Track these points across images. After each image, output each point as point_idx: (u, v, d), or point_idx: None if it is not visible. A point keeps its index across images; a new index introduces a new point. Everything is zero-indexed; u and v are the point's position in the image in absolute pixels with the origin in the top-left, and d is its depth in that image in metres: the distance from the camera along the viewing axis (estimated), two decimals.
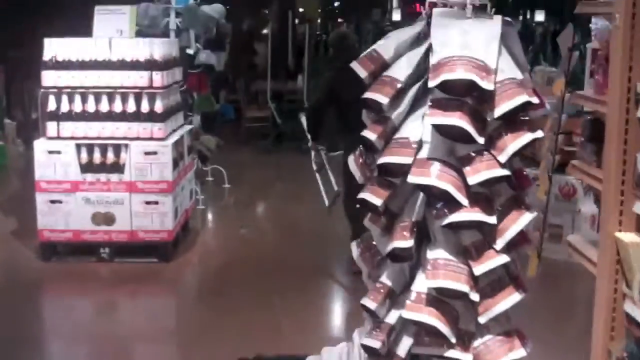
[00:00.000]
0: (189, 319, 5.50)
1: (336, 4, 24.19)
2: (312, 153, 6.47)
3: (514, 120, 2.75)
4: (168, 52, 6.60)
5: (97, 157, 6.25)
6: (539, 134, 2.80)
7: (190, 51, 8.10)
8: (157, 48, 6.34)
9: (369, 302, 3.05)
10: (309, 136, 6.44)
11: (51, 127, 6.28)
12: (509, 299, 2.91)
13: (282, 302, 5.61)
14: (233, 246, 7.02)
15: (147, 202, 6.26)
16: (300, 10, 18.16)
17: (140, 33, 6.98)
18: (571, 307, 5.42)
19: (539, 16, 22.60)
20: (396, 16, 22.62)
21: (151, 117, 6.26)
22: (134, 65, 6.23)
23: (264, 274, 6.20)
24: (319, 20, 20.13)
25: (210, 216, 7.92)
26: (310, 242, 7.10)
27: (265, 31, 19.98)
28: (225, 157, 10.01)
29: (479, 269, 2.82)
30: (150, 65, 6.25)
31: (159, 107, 6.28)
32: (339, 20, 22.26)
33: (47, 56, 6.25)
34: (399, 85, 2.85)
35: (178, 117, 6.93)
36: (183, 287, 6.30)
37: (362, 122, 3.08)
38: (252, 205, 8.96)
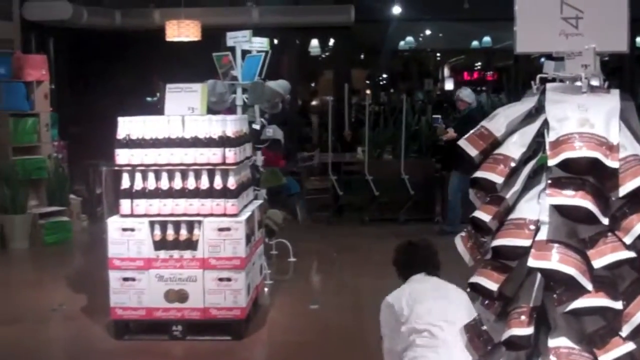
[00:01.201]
0: None
1: (385, 75, 24.32)
2: None
3: (638, 199, 2.62)
4: (239, 128, 6.61)
5: (170, 234, 6.22)
6: None
7: (256, 126, 8.11)
8: (229, 125, 6.35)
9: None
10: None
11: (125, 204, 6.27)
12: None
13: None
14: (304, 323, 6.89)
15: (220, 279, 6.19)
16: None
17: (207, 109, 7.01)
18: None
19: None
20: (448, 85, 22.64)
21: (224, 193, 6.23)
22: (207, 143, 6.24)
23: (335, 352, 6.05)
24: (368, 91, 20.20)
25: (278, 291, 7.80)
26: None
27: (314, 103, 20.18)
28: (288, 230, 9.96)
29: (605, 357, 2.65)
30: (223, 142, 6.25)
31: (232, 183, 6.26)
32: (391, 90, 22.30)
33: (120, 134, 6.29)
34: (513, 164, 2.75)
35: (249, 193, 6.90)
36: None
37: None
38: (319, 279, 8.85)
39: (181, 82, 6.74)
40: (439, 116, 12.35)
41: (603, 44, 2.84)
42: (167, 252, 6.20)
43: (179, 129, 6.29)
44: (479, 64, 24.56)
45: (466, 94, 10.79)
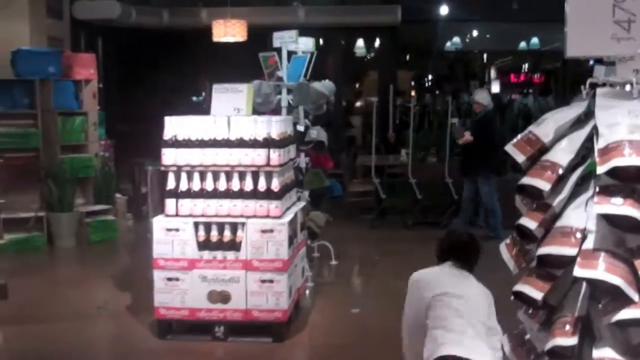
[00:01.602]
0: None
1: (430, 76, 24.18)
2: None
3: None
4: (284, 129, 6.60)
5: (214, 234, 6.23)
6: None
7: (300, 128, 8.11)
8: (274, 126, 6.34)
9: None
10: None
11: (170, 204, 6.30)
12: None
13: None
14: (344, 326, 6.86)
15: (263, 281, 6.19)
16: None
17: (253, 110, 7.02)
18: None
19: None
20: (495, 88, 22.41)
21: (268, 195, 6.23)
22: (252, 144, 6.24)
23: (375, 356, 6.02)
24: (413, 93, 20.11)
25: (319, 294, 7.79)
26: None
27: (358, 104, 20.13)
28: (330, 232, 9.94)
29: None
30: (267, 143, 6.25)
31: (275, 185, 6.26)
32: (437, 92, 22.14)
33: (167, 135, 6.32)
34: (560, 171, 2.71)
35: (292, 195, 6.90)
36: None
37: None
38: (360, 282, 8.82)
39: (227, 82, 6.75)
40: (457, 119, 12.23)
41: None
42: (210, 252, 6.22)
43: (224, 130, 6.30)
44: (526, 65, 24.28)
45: (482, 97, 10.63)
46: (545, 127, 2.82)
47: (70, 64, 10.69)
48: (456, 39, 19.73)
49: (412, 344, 4.24)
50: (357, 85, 21.72)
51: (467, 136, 10.36)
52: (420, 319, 4.08)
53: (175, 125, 6.34)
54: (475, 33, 20.29)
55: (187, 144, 6.28)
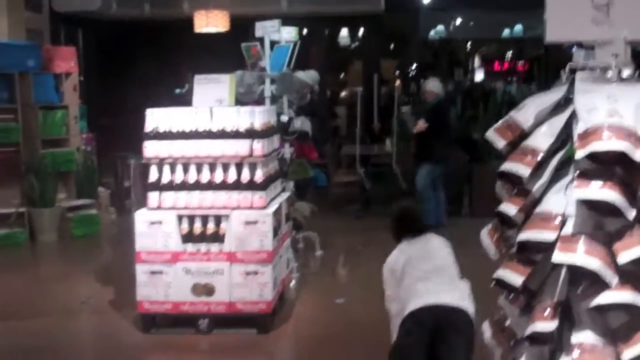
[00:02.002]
0: None
1: (414, 65, 24.15)
2: None
3: None
4: (267, 120, 6.55)
5: (197, 227, 6.19)
6: None
7: (284, 118, 8.07)
8: (257, 117, 6.30)
9: None
10: None
11: (152, 197, 6.25)
12: None
13: None
14: (330, 317, 6.84)
15: (247, 273, 6.15)
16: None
17: (236, 100, 6.97)
18: None
19: None
20: (479, 76, 22.45)
21: (252, 186, 6.19)
22: (235, 135, 6.19)
23: (361, 346, 6.01)
24: (397, 82, 20.09)
25: (304, 285, 7.77)
26: None
27: (343, 94, 20.09)
28: (315, 223, 9.91)
29: (629, 353, 2.60)
30: (251, 134, 6.20)
31: (259, 176, 6.22)
32: (421, 81, 22.13)
33: (148, 127, 6.27)
34: (540, 156, 2.69)
35: (277, 185, 6.86)
36: (281, 358, 6.15)
37: None
38: (345, 272, 8.81)
39: (210, 73, 6.70)
40: (408, 107, 12.22)
41: (634, 32, 2.76)
42: (194, 245, 6.17)
43: (207, 121, 6.25)
44: (510, 53, 24.31)
45: (433, 85, 10.59)
46: (526, 113, 2.81)
47: (50, 57, 10.59)
48: (440, 27, 19.71)
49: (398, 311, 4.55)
50: (341, 75, 21.67)
51: (421, 124, 10.32)
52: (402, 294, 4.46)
53: (156, 117, 6.29)
54: (458, 21, 20.28)
55: (169, 135, 6.23)
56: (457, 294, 4.19)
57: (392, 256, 4.77)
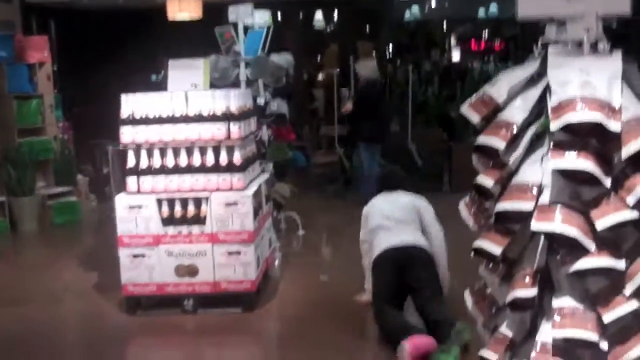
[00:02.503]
0: None
1: (391, 46, 24.16)
2: None
3: None
4: (243, 103, 6.60)
5: (178, 210, 6.24)
6: None
7: (260, 101, 8.10)
8: (233, 100, 6.34)
9: (489, 354, 2.92)
10: None
11: (131, 182, 6.29)
12: None
13: (366, 349, 5.46)
14: (314, 294, 6.92)
15: (230, 253, 6.22)
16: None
17: (210, 85, 7.00)
18: None
19: None
20: (456, 56, 22.54)
21: (230, 168, 6.24)
22: (211, 118, 6.23)
23: (345, 322, 6.10)
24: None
25: (288, 264, 7.84)
26: None
27: (320, 77, 20.06)
28: (296, 203, 9.97)
29: (609, 316, 2.68)
30: (227, 117, 6.25)
31: (237, 158, 6.26)
32: (398, 62, 22.18)
33: (124, 113, 6.29)
34: (515, 129, 2.76)
35: (255, 167, 6.91)
36: (267, 336, 6.21)
37: None
38: (328, 251, 8.88)
39: (185, 59, 6.72)
40: (346, 89, 12.33)
41: (605, 7, 2.82)
42: (175, 228, 6.22)
43: (182, 106, 6.28)
44: (486, 33, 24.41)
45: (361, 67, 10.68)
46: (499, 88, 2.86)
47: (23, 47, 10.54)
48: (415, 9, 19.76)
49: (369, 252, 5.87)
50: (318, 58, 21.63)
51: (348, 106, 10.45)
52: (370, 237, 5.79)
53: (132, 103, 6.31)
54: (434, 2, 20.34)
55: (145, 121, 6.25)
56: (417, 236, 5.54)
57: (369, 204, 6.07)
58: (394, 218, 5.66)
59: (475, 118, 2.86)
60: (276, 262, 7.66)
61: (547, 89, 2.72)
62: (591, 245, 2.61)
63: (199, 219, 6.21)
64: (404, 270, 5.31)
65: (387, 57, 23.03)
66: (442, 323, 4.94)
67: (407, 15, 19.52)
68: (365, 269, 6.03)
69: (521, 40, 18.37)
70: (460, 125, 11.59)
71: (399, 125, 12.29)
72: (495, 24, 22.14)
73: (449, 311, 5.09)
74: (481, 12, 19.04)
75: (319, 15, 17.03)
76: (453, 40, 24.09)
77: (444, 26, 24.22)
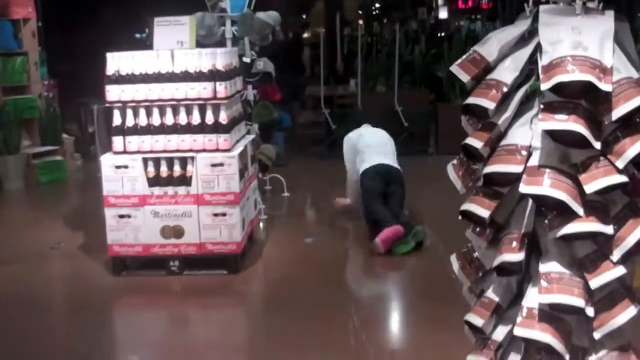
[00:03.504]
0: (259, 329, 5.47)
1: (377, 4, 23.98)
2: None
3: (631, 123, 2.59)
4: (229, 61, 6.51)
5: (164, 170, 6.19)
6: None
7: (246, 59, 8.01)
8: (219, 58, 6.25)
9: (475, 319, 2.90)
10: None
11: (117, 141, 6.22)
12: (626, 312, 2.73)
13: (349, 310, 5.48)
14: (299, 256, 6.93)
15: (215, 214, 6.19)
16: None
17: (197, 43, 6.90)
18: None
19: None
20: (443, 14, 22.37)
21: (216, 128, 6.18)
22: (197, 77, 6.16)
23: (330, 283, 6.12)
24: (360, 22, 19.98)
25: (273, 226, 7.83)
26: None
27: (305, 35, 19.89)
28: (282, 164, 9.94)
29: (595, 282, 2.66)
30: (213, 76, 6.17)
31: (223, 118, 6.20)
32: (384, 21, 22.02)
33: (110, 70, 6.20)
34: (505, 89, 2.70)
35: (241, 128, 6.85)
36: (252, 298, 6.22)
37: None
38: (312, 213, 8.87)
39: (170, 16, 6.62)
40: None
41: None
42: (161, 188, 6.18)
43: (168, 64, 6.20)
44: None
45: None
46: (489, 47, 2.80)
47: (7, 3, 10.39)
48: None
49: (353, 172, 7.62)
50: (303, 17, 21.44)
51: None
52: (359, 155, 7.48)
53: (117, 61, 6.22)
54: None
55: (131, 79, 6.17)
56: (395, 162, 7.42)
57: (353, 132, 7.91)
58: (380, 144, 7.59)
59: (464, 77, 2.80)
60: (261, 224, 7.64)
61: (537, 48, 2.67)
62: (580, 210, 2.57)
63: (184, 180, 6.18)
64: (385, 182, 7.19)
65: (374, 14, 22.86)
66: (405, 225, 6.75)
67: None
68: (350, 180, 7.76)
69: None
70: (447, 86, 11.54)
71: (386, 85, 12.21)
72: None
73: (408, 218, 7.10)
74: None
75: None
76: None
77: None
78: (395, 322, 5.62)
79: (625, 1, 13.91)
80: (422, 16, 21.89)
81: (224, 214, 6.19)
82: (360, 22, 19.59)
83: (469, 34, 15.39)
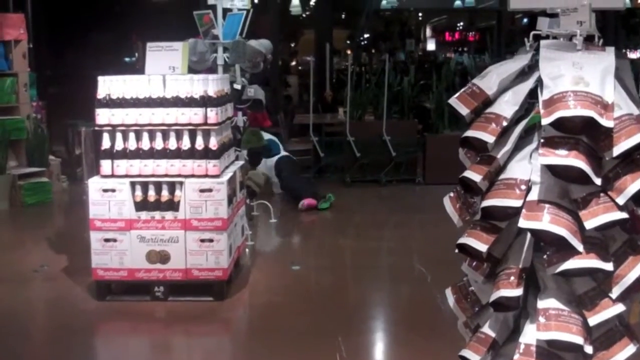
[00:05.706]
0: (244, 357, 5.39)
1: (366, 35, 24.08)
2: None
3: (632, 159, 2.58)
4: (221, 87, 6.50)
5: (151, 194, 6.13)
6: None
7: (237, 86, 8.00)
8: (211, 85, 6.24)
9: (471, 355, 2.86)
10: None
11: (105, 165, 6.17)
12: (625, 350, 2.72)
13: (336, 339, 5.41)
14: (285, 284, 6.87)
15: (202, 240, 6.13)
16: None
17: (188, 69, 6.89)
18: None
19: None
20: (430, 45, 22.51)
21: (206, 154, 6.14)
22: (189, 102, 6.13)
23: (316, 312, 6.06)
24: (349, 52, 20.06)
25: (260, 252, 7.77)
26: (361, 276, 6.99)
27: (293, 63, 19.94)
28: (269, 191, 9.91)
29: (594, 319, 2.63)
30: (204, 102, 6.15)
31: (213, 143, 6.17)
32: (373, 51, 22.13)
33: (101, 94, 6.17)
34: (505, 123, 2.69)
35: (230, 154, 6.82)
36: (238, 325, 6.15)
37: None
38: (300, 240, 8.83)
39: (161, 42, 6.60)
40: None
41: (599, 0, 2.76)
42: (148, 213, 6.12)
43: (160, 89, 6.17)
44: (461, 24, 24.41)
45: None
46: (489, 80, 2.79)
47: None
48: None
49: None
50: (292, 45, 21.51)
51: None
52: None
53: (109, 85, 6.19)
54: None
55: (122, 103, 6.13)
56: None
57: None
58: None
59: (464, 110, 2.79)
60: (247, 251, 7.58)
61: (538, 83, 2.66)
62: (579, 246, 2.55)
63: (172, 205, 6.12)
64: None
65: (362, 44, 22.95)
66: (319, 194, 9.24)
67: (384, 3, 19.38)
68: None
69: (497, 31, 18.30)
70: (435, 117, 11.59)
71: (374, 115, 12.22)
72: (471, 15, 22.11)
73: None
74: (457, 3, 18.86)
75: (295, 0, 16.87)
76: (428, 31, 24.07)
77: (420, 16, 24.19)
78: (382, 354, 5.57)
79: (611, 34, 14.04)
80: (410, 47, 22.02)
81: (211, 240, 6.13)
82: (349, 51, 19.68)
83: (457, 65, 15.47)
